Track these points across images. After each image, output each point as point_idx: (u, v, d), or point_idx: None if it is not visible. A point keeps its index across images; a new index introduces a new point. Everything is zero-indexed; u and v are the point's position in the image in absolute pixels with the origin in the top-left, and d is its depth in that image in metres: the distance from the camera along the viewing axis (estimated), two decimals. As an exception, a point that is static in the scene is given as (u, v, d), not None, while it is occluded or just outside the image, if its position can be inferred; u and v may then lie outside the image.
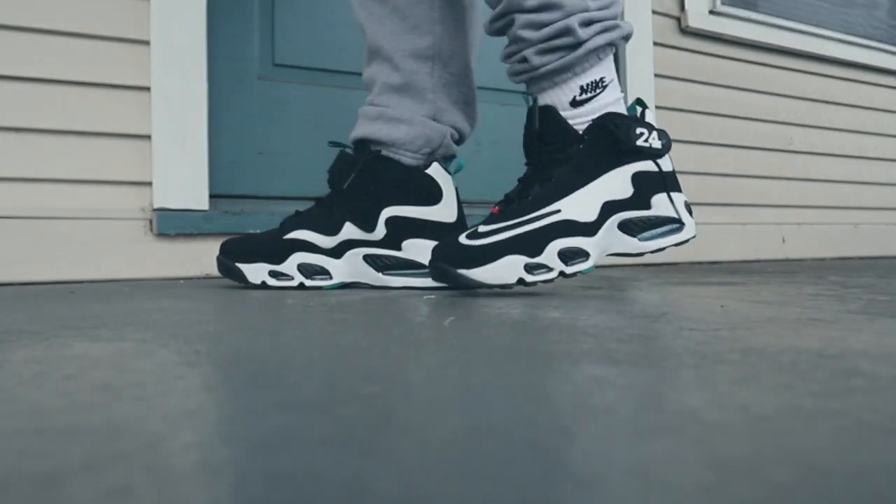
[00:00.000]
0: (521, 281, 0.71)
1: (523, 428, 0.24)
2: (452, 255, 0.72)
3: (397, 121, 0.88)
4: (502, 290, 0.77)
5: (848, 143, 1.98)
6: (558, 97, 0.78)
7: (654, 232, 0.78)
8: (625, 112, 0.79)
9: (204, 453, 0.22)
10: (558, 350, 0.39)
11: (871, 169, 2.03)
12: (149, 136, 1.09)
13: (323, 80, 1.32)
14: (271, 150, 1.26)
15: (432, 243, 0.86)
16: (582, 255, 0.74)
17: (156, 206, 1.08)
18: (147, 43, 1.09)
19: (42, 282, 1.00)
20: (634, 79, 1.58)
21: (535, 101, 0.80)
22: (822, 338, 0.43)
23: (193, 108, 1.11)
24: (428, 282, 0.83)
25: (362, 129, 0.89)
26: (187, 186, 1.10)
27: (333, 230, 0.87)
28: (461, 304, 0.65)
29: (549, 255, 0.72)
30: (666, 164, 0.80)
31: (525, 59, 0.79)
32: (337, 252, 0.87)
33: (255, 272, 0.86)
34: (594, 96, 0.78)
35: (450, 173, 0.89)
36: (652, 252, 0.78)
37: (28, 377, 0.33)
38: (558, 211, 0.74)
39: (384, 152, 0.88)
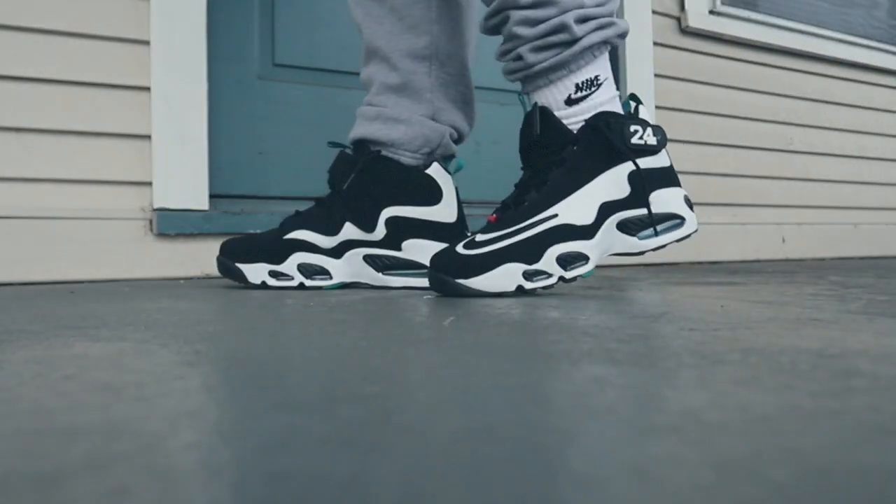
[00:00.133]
0: (520, 288, 0.71)
1: (523, 428, 0.24)
2: (450, 265, 0.72)
3: (396, 121, 0.88)
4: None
5: (848, 143, 1.98)
6: (553, 95, 0.78)
7: (653, 230, 0.77)
8: (619, 110, 0.78)
9: (204, 453, 0.22)
10: (558, 350, 0.39)
11: (871, 169, 2.03)
12: (149, 137, 1.09)
13: (323, 80, 1.32)
14: (271, 150, 1.26)
15: (432, 243, 0.86)
16: (581, 258, 0.73)
17: (156, 206, 1.08)
18: (147, 43, 1.09)
19: (42, 282, 1.00)
20: (634, 79, 1.58)
21: (534, 105, 0.80)
22: (822, 338, 0.43)
23: (193, 108, 1.11)
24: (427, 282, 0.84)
25: (361, 130, 0.89)
26: (187, 186, 1.10)
27: (333, 230, 0.87)
28: (461, 305, 0.65)
29: (548, 261, 0.72)
30: (662, 159, 0.79)
31: (520, 57, 0.78)
32: (337, 252, 0.87)
33: (255, 272, 0.86)
34: (589, 94, 0.77)
35: (449, 173, 0.89)
36: (653, 249, 0.77)
37: (28, 377, 0.33)
38: (555, 216, 0.73)
39: (384, 152, 0.88)
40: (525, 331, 0.48)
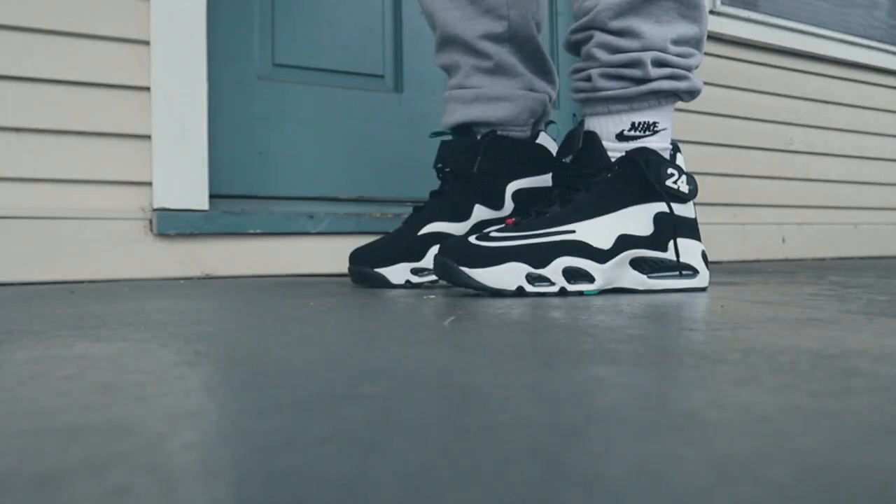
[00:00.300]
0: (520, 290, 0.71)
1: (523, 428, 0.24)
2: (458, 252, 0.72)
3: (498, 99, 0.91)
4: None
5: (848, 143, 1.98)
6: (607, 126, 0.78)
7: (665, 274, 0.78)
8: (665, 157, 0.79)
9: (204, 453, 0.22)
10: (559, 350, 0.39)
11: (871, 169, 2.03)
12: (149, 136, 1.09)
13: (323, 80, 1.32)
14: (271, 150, 1.26)
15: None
16: (587, 277, 0.73)
17: (156, 206, 1.08)
18: (147, 43, 1.09)
19: (42, 282, 1.00)
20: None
21: (580, 123, 0.80)
22: (822, 338, 0.43)
23: (193, 108, 1.11)
24: None
25: (461, 114, 0.92)
26: (187, 186, 1.10)
27: (465, 215, 0.90)
28: (462, 305, 0.65)
29: (554, 269, 0.72)
30: (690, 210, 0.80)
31: (589, 78, 0.79)
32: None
33: (397, 273, 0.88)
34: (642, 136, 0.78)
35: (554, 139, 0.93)
36: (658, 291, 0.77)
37: (28, 377, 0.33)
38: (573, 231, 0.74)
39: (499, 132, 0.92)
40: (525, 331, 0.48)
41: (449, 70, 0.95)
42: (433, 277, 0.88)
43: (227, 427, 0.25)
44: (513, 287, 0.71)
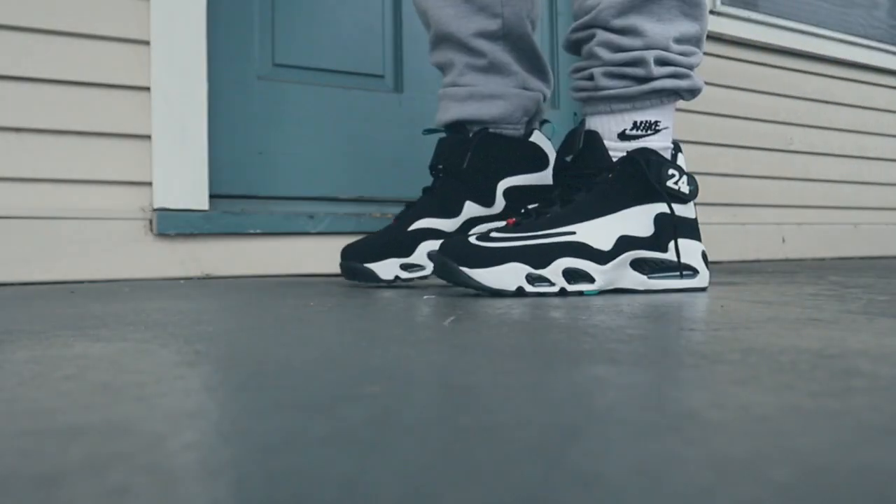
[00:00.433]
0: (520, 290, 0.71)
1: (523, 428, 0.24)
2: (458, 251, 0.72)
3: (491, 97, 0.91)
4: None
5: (848, 143, 1.98)
6: (609, 125, 0.78)
7: (666, 274, 0.78)
8: (667, 158, 0.79)
9: (204, 453, 0.22)
10: (559, 350, 0.39)
11: (871, 169, 2.03)
12: (149, 136, 1.09)
13: (323, 80, 1.32)
14: (271, 150, 1.26)
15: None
16: (587, 278, 0.73)
17: (156, 206, 1.08)
18: (147, 43, 1.09)
19: (42, 282, 1.00)
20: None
21: (581, 123, 0.80)
22: (822, 338, 0.43)
23: (193, 108, 1.11)
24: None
25: (455, 111, 0.92)
26: (187, 186, 1.10)
27: (455, 212, 0.90)
28: (462, 305, 0.65)
29: (554, 270, 0.72)
30: (690, 210, 0.80)
31: (591, 77, 0.79)
32: (461, 232, 0.90)
33: (386, 268, 0.87)
34: (644, 136, 0.78)
35: (548, 138, 0.93)
36: (658, 291, 0.77)
37: (28, 377, 0.33)
38: (573, 233, 0.74)
39: (490, 129, 0.91)
40: (525, 331, 0.48)
41: (443, 68, 0.95)
42: (424, 273, 0.88)
43: (227, 427, 0.25)
44: (513, 287, 0.71)
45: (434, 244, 0.88)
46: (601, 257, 0.74)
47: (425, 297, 0.74)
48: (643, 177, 0.75)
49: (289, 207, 1.25)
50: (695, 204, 0.81)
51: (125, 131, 1.07)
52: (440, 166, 0.92)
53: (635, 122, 0.78)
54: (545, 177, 0.92)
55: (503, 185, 0.91)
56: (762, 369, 0.33)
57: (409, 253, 0.88)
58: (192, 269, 1.10)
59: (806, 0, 1.91)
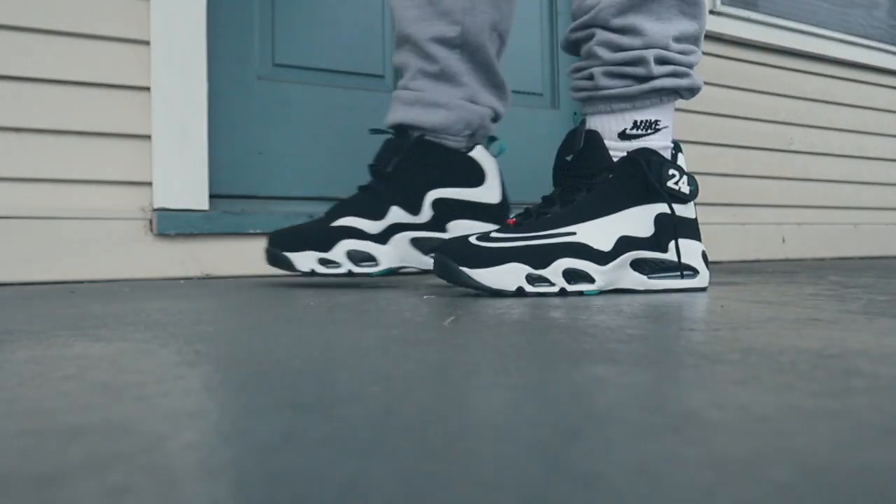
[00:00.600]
0: (520, 290, 0.71)
1: (523, 428, 0.24)
2: (458, 252, 0.72)
3: (436, 105, 0.89)
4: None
5: (848, 143, 1.98)
6: (609, 125, 0.78)
7: (666, 274, 0.78)
8: (667, 158, 0.79)
9: (204, 453, 0.22)
10: (559, 350, 0.39)
11: (871, 169, 2.03)
12: (149, 136, 1.09)
13: (323, 80, 1.32)
14: (271, 150, 1.26)
15: (478, 224, 0.88)
16: (587, 278, 0.73)
17: (156, 206, 1.08)
18: (147, 43, 1.09)
19: (42, 282, 1.00)
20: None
21: (581, 122, 0.80)
22: (822, 338, 0.43)
23: (193, 108, 1.11)
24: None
25: (400, 114, 0.91)
26: (187, 186, 1.10)
27: (380, 214, 0.88)
28: (461, 305, 0.65)
29: (554, 270, 0.72)
30: (690, 210, 0.80)
31: (591, 77, 0.79)
32: (383, 237, 0.88)
33: (304, 260, 0.86)
34: (644, 135, 0.78)
35: (493, 156, 0.91)
36: (658, 291, 0.77)
37: (28, 377, 0.33)
38: (573, 233, 0.74)
39: (427, 136, 0.90)
40: (525, 331, 0.48)
41: (400, 70, 0.94)
42: (342, 271, 0.86)
43: (227, 427, 0.25)
44: (513, 287, 0.71)
45: (353, 244, 0.87)
46: (601, 258, 0.74)
47: (425, 297, 0.74)
48: (643, 177, 0.75)
49: (289, 207, 1.25)
50: (695, 204, 0.81)
51: (125, 131, 1.07)
52: (372, 165, 0.91)
53: (636, 122, 0.78)
54: (479, 193, 0.90)
55: (432, 195, 0.89)
56: (762, 369, 0.33)
57: (327, 248, 0.86)
58: (192, 269, 1.10)
59: (806, 0, 1.91)
